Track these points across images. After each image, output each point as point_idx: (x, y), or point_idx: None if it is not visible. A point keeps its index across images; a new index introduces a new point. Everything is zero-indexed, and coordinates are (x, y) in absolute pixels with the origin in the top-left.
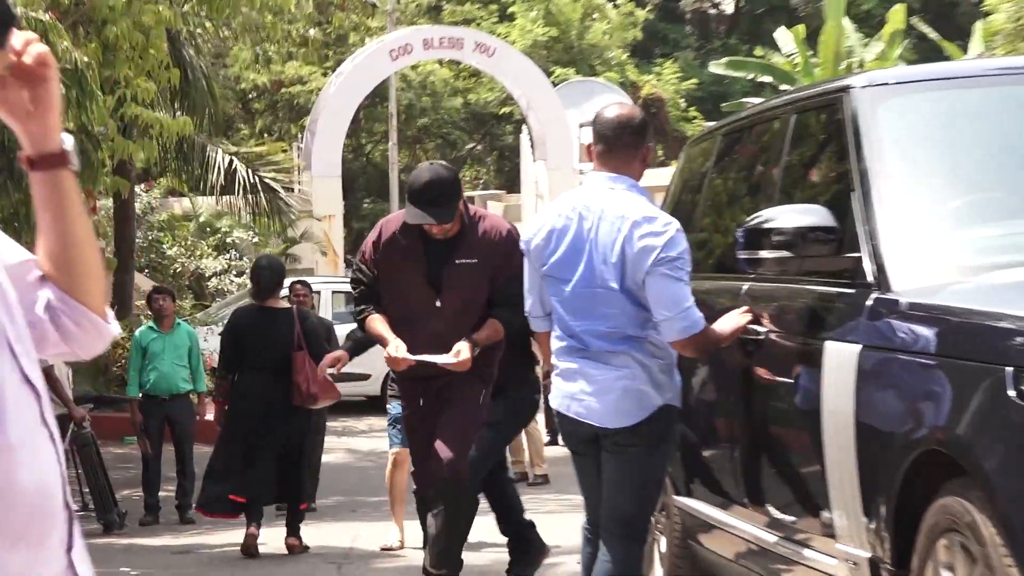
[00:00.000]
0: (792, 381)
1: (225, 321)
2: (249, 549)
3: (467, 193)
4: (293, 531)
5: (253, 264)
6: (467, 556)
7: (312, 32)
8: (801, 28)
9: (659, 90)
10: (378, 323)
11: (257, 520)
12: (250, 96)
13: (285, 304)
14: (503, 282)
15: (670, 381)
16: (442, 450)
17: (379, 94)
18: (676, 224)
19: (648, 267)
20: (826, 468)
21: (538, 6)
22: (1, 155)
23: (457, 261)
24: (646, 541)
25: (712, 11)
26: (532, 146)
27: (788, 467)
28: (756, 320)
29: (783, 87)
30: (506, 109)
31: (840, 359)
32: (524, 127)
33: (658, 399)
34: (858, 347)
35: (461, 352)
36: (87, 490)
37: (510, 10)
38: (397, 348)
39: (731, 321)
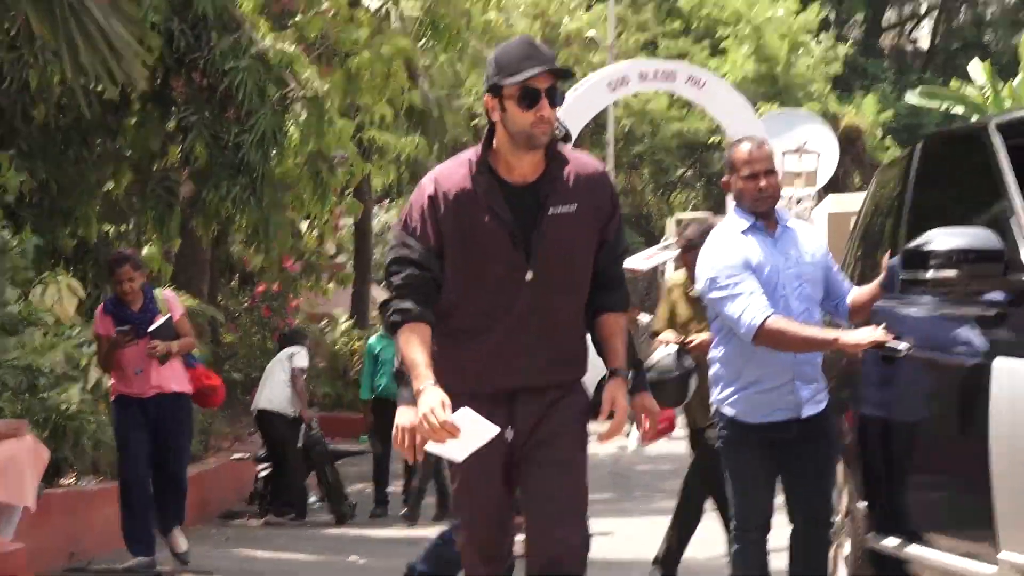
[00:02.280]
0: (954, 396)
1: None
2: None
3: (677, 215)
4: None
5: None
6: None
7: None
8: (989, 62)
9: (858, 121)
10: (419, 342)
11: None
12: (482, 125)
13: None
14: (613, 242)
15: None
16: (553, 522)
17: (599, 122)
18: (708, 248)
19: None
20: (992, 475)
21: (748, 42)
22: (245, 175)
23: (552, 211)
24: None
25: (909, 47)
26: None
27: (950, 474)
28: (882, 341)
29: (975, 117)
30: (715, 138)
31: (1015, 375)
32: None
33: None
34: None
35: (617, 400)
36: (321, 484)
37: (722, 45)
38: (437, 408)
39: (857, 335)
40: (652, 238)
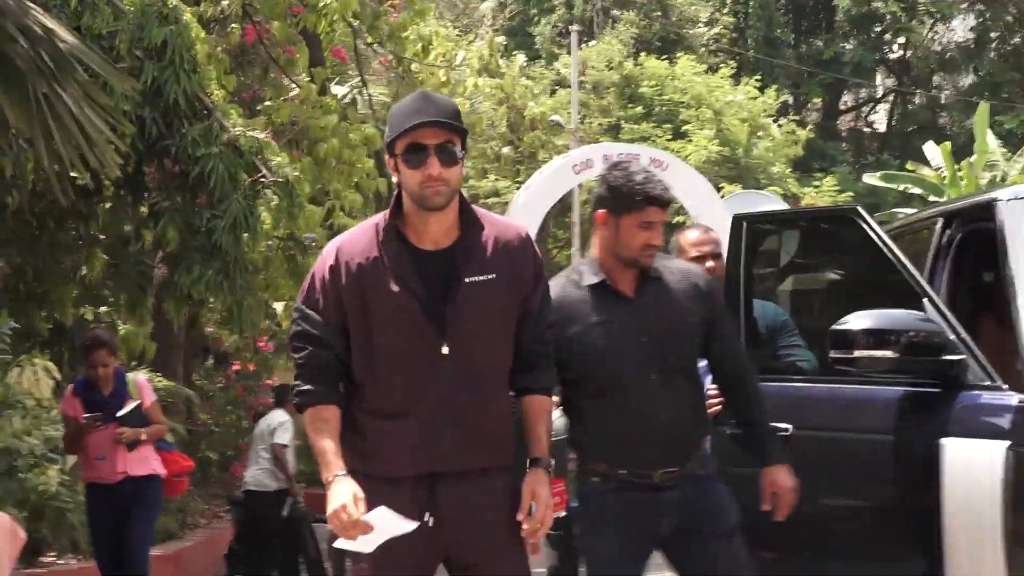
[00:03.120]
0: (898, 475)
1: None
2: None
3: None
4: None
5: None
6: None
7: (504, 150)
8: (948, 144)
9: (817, 201)
10: (326, 427)
11: None
12: None
13: None
14: (537, 313)
15: None
16: None
17: (565, 203)
18: None
19: None
20: (945, 552)
21: (710, 125)
22: (217, 259)
23: (467, 280)
24: None
25: (866, 129)
26: None
27: (892, 550)
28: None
29: (932, 198)
30: (679, 219)
31: (974, 458)
32: None
33: None
34: (1005, 444)
35: (538, 494)
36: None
37: (684, 128)
38: (349, 504)
39: None
40: None
